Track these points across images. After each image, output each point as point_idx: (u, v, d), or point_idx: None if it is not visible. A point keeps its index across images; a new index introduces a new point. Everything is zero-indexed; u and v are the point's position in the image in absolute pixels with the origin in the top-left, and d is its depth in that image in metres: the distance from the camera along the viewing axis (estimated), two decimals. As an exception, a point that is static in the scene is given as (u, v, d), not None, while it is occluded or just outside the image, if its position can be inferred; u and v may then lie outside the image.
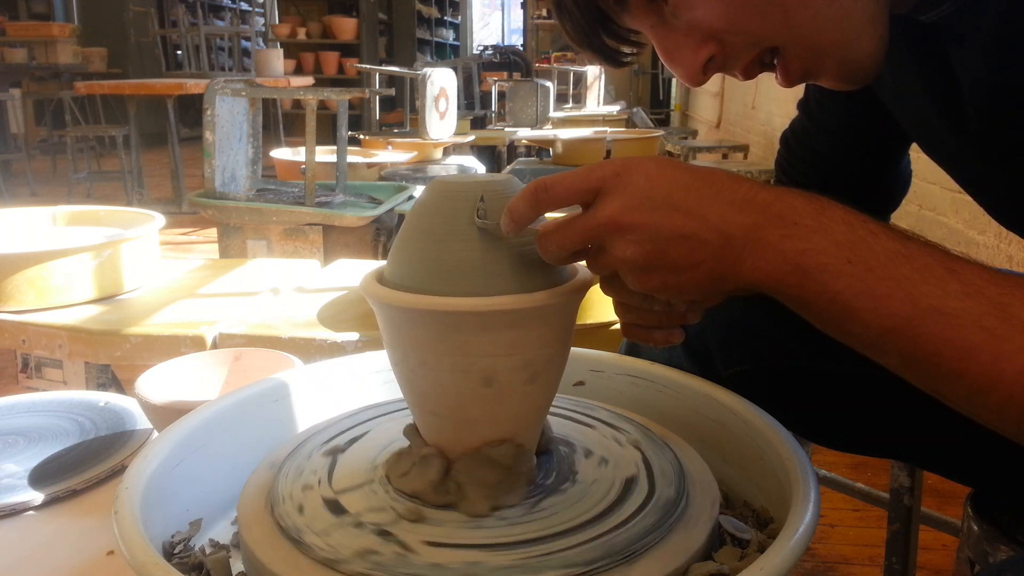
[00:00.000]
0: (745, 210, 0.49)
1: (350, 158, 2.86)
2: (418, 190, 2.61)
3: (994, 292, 0.44)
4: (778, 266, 0.48)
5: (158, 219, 1.59)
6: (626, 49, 0.62)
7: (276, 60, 6.32)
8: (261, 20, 8.66)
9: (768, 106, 4.99)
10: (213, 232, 2.74)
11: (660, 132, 4.67)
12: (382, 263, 0.59)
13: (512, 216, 0.52)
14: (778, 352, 0.75)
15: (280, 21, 9.01)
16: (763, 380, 0.75)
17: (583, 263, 0.55)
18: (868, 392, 0.72)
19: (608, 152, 3.64)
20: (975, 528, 0.69)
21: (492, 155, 5.10)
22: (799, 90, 0.85)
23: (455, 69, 4.13)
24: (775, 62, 0.58)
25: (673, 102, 9.24)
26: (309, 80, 6.31)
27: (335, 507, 0.55)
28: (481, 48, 9.53)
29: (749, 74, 0.60)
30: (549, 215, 0.54)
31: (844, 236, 0.47)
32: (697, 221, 0.49)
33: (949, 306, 0.44)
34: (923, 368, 0.46)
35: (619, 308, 0.59)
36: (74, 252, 1.41)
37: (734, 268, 0.49)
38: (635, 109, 6.28)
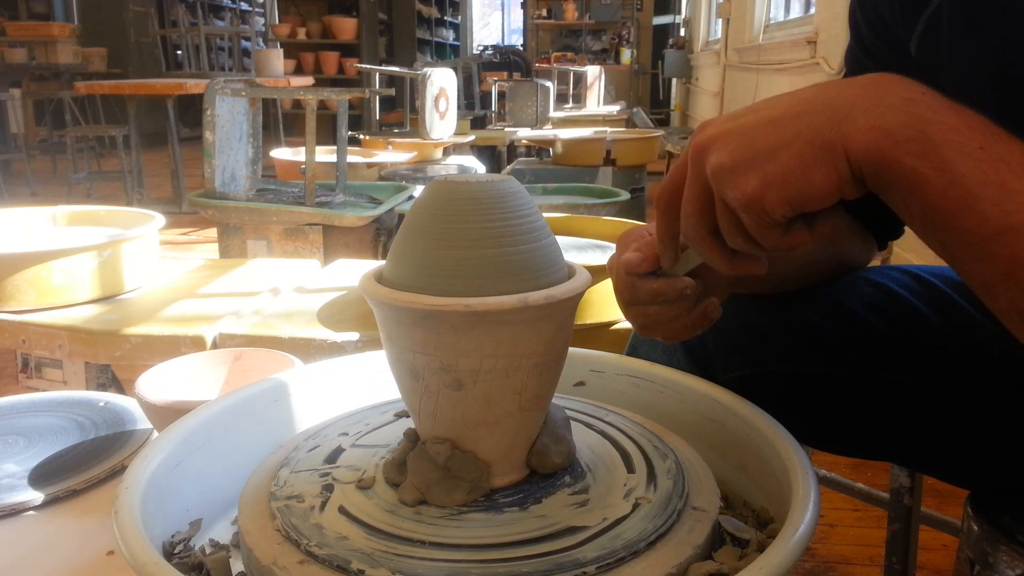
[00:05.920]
0: (849, 86, 0.45)
1: (350, 158, 2.87)
2: (418, 190, 2.60)
3: None
4: (901, 128, 0.42)
5: (158, 219, 1.59)
6: None
7: (276, 60, 6.32)
8: (261, 20, 8.66)
9: (768, 106, 4.98)
10: (213, 232, 2.74)
11: (660, 132, 4.67)
12: (382, 263, 0.59)
13: (660, 238, 0.55)
14: (779, 357, 0.75)
15: (280, 21, 9.03)
16: (763, 385, 0.74)
17: (580, 264, 0.55)
18: (868, 396, 0.72)
19: (608, 152, 3.64)
20: (975, 528, 0.69)
21: (492, 155, 5.10)
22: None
23: (455, 69, 4.13)
24: None
25: (673, 102, 9.24)
26: (309, 80, 6.31)
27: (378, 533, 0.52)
28: (481, 48, 9.54)
29: None
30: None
31: (978, 123, 0.43)
32: (783, 107, 0.46)
33: None
34: None
35: (630, 312, 0.59)
36: (74, 252, 1.41)
37: (841, 129, 0.43)
38: (635, 109, 6.29)
